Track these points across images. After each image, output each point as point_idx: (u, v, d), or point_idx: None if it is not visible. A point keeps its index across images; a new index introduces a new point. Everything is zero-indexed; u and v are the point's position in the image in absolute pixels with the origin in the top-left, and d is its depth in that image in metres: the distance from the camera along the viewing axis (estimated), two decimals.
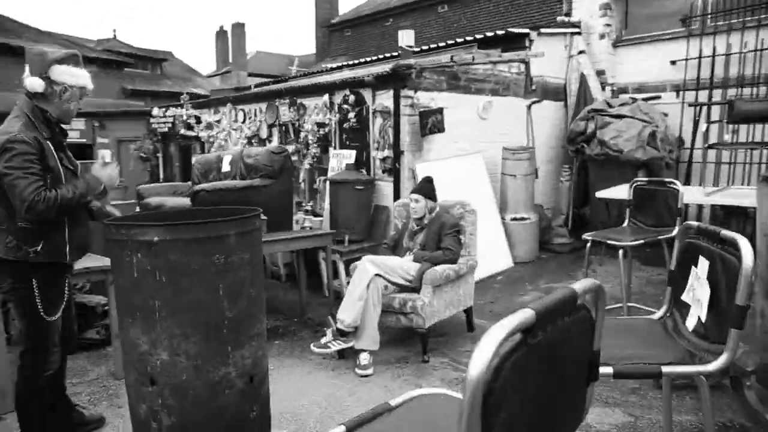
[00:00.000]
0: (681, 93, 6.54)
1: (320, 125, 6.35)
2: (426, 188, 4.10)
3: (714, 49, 6.27)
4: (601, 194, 5.68)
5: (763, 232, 2.52)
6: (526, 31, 6.50)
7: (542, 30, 6.71)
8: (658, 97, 6.69)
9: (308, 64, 28.42)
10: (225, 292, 2.13)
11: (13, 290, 2.45)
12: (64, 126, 2.56)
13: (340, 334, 3.63)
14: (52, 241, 2.45)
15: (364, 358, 3.67)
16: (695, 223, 2.00)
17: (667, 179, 3.85)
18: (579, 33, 7.14)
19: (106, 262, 3.80)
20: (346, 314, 3.60)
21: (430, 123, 5.59)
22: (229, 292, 2.14)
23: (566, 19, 7.25)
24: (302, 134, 6.71)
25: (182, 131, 9.28)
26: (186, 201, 5.60)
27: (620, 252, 3.59)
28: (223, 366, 2.15)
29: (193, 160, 7.12)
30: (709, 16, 6.44)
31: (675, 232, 3.53)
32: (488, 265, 5.71)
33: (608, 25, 7.07)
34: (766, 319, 2.50)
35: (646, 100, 6.61)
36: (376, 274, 3.68)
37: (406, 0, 18.96)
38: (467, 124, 6.06)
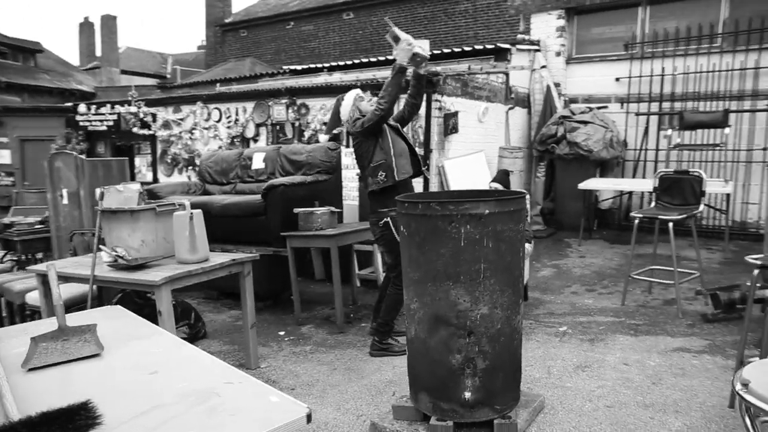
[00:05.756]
0: (625, 104, 7.94)
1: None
2: (504, 179, 4.74)
3: (652, 70, 7.75)
4: (586, 185, 6.77)
5: None
6: (508, 46, 7.45)
7: (518, 46, 7.71)
8: (606, 107, 8.04)
9: (186, 63, 27.24)
10: (522, 254, 2.62)
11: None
12: None
13: None
14: None
15: None
16: None
17: (690, 170, 4.90)
18: (539, 50, 8.27)
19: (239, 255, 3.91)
20: None
21: (451, 125, 6.24)
22: (521, 254, 2.64)
23: (525, 37, 8.33)
24: (306, 133, 6.94)
25: (134, 129, 8.85)
26: (222, 198, 5.52)
27: (670, 225, 4.49)
28: (518, 314, 2.64)
29: (199, 159, 6.97)
30: (646, 44, 7.92)
31: (701, 208, 4.61)
32: None
33: (563, 45, 8.29)
34: None
35: (597, 109, 7.91)
36: None
37: (306, 5, 19.23)
38: (471, 126, 6.81)
